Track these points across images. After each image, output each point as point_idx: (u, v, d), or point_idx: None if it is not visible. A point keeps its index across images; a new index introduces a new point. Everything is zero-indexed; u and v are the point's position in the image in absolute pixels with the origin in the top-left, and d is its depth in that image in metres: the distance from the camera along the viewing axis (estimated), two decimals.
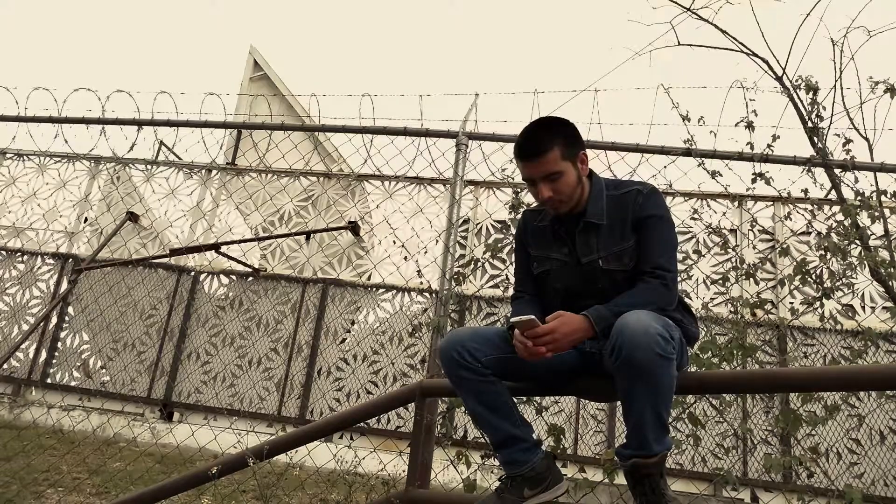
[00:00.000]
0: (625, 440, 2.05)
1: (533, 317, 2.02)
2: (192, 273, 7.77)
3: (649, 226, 2.20)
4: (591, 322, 2.03)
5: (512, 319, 2.07)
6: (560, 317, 2.04)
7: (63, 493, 4.83)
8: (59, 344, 7.70)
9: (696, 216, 5.29)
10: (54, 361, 7.63)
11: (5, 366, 7.08)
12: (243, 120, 10.26)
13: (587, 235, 2.25)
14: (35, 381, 7.50)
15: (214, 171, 8.35)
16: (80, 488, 4.99)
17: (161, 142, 8.69)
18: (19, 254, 8.11)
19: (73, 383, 7.51)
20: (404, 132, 4.78)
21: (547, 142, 2.18)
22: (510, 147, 5.42)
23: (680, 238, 6.86)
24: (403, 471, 3.03)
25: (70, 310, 7.85)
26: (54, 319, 7.68)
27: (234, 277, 7.75)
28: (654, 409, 1.94)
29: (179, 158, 8.58)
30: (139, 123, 5.55)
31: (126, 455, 5.71)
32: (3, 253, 8.13)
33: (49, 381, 7.53)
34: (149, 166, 8.42)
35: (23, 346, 7.29)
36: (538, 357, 2.04)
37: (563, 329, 2.01)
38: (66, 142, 6.29)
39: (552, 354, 2.04)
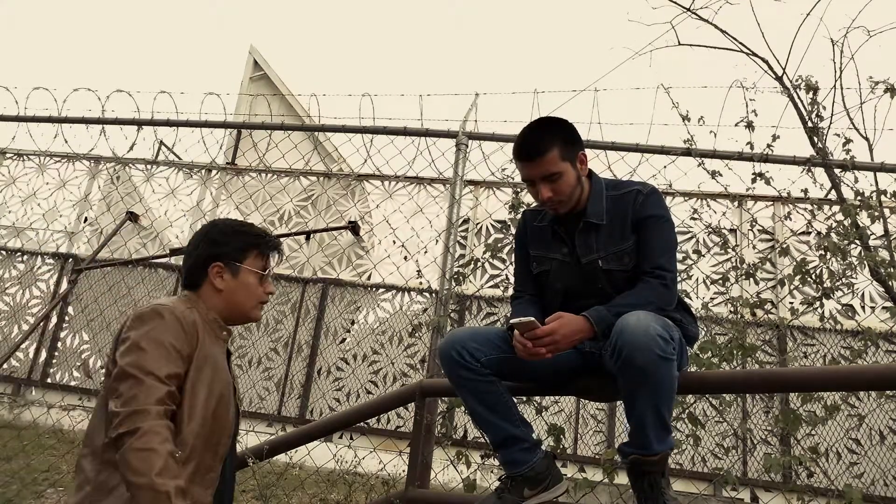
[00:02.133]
0: (627, 438, 2.06)
1: (533, 318, 2.02)
2: None
3: (649, 226, 2.20)
4: (590, 323, 2.03)
5: (512, 320, 2.07)
6: (560, 318, 2.04)
7: (63, 493, 4.83)
8: (59, 344, 7.70)
9: (695, 216, 5.28)
10: (54, 361, 7.63)
11: (5, 365, 7.07)
12: (243, 120, 10.26)
13: (587, 235, 2.25)
14: (35, 380, 7.50)
15: (214, 171, 8.35)
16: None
17: (161, 142, 8.67)
18: (19, 254, 8.11)
19: (72, 383, 7.51)
20: (404, 132, 4.78)
21: (546, 142, 2.18)
22: (510, 147, 5.42)
23: (680, 238, 6.85)
24: (403, 471, 3.04)
25: (70, 309, 7.85)
26: (54, 319, 7.68)
27: None
28: (655, 410, 1.94)
29: (179, 158, 8.58)
30: (139, 123, 5.55)
31: None
32: (3, 253, 8.13)
33: (49, 380, 7.53)
34: (149, 166, 8.41)
35: (23, 345, 7.29)
36: (538, 358, 2.04)
37: (563, 330, 2.02)
38: (66, 141, 6.28)
39: (552, 355, 2.05)
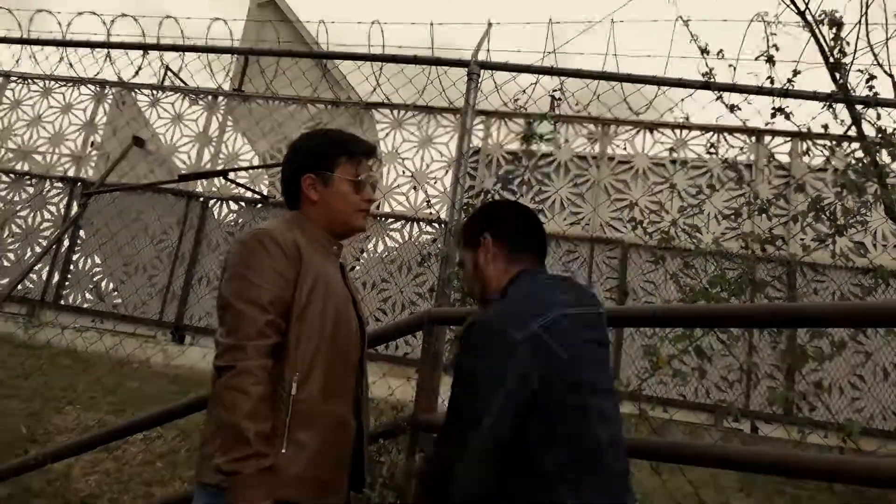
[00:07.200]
0: None
1: None
2: (202, 199, 7.76)
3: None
4: None
5: None
6: None
7: (80, 411, 4.97)
8: (72, 266, 7.78)
9: (712, 150, 5.20)
10: (67, 283, 7.72)
11: (19, 286, 7.17)
12: (250, 46, 10.04)
13: None
14: (48, 302, 7.61)
15: (220, 97, 8.23)
16: (97, 406, 5.13)
17: (167, 67, 8.54)
18: (27, 177, 8.10)
19: (85, 305, 7.62)
20: (415, 60, 4.68)
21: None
22: (523, 77, 5.31)
23: (695, 172, 6.76)
24: (412, 396, 3.10)
25: (82, 233, 7.89)
26: (66, 242, 7.73)
27: (242, 204, 7.75)
28: None
29: (185, 84, 8.45)
30: (144, 48, 5.45)
31: (139, 375, 5.85)
32: (12, 175, 8.13)
33: (62, 302, 7.64)
34: (154, 91, 8.30)
35: (36, 267, 7.36)
36: None
37: None
38: (71, 66, 6.20)
39: None
